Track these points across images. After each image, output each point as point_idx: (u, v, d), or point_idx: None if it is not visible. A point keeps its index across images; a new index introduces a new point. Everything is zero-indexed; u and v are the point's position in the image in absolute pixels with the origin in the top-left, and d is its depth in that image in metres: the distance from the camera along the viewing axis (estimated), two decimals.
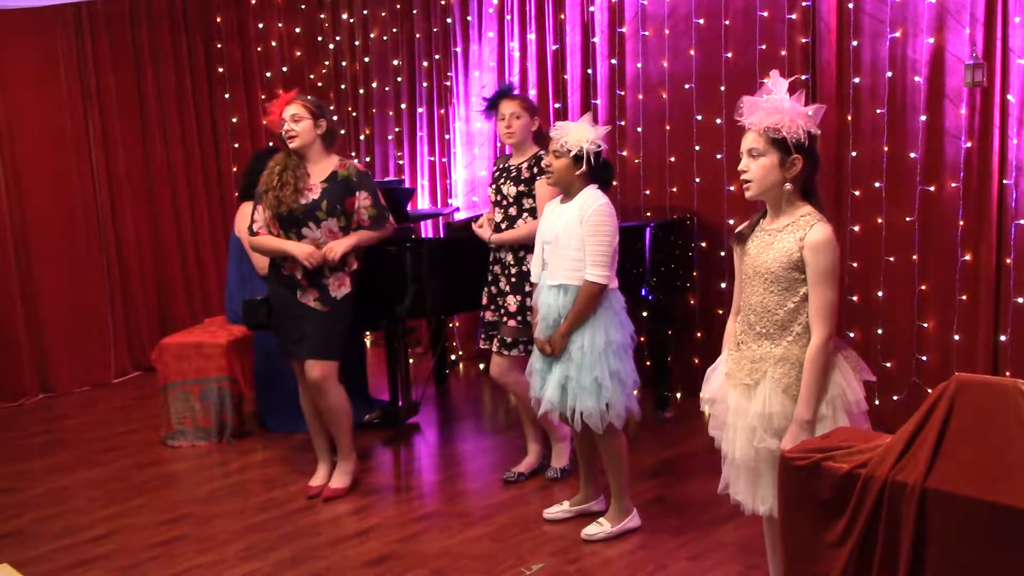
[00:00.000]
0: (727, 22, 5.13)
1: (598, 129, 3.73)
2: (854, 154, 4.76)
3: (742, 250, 2.87)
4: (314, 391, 4.27)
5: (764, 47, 4.98)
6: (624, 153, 5.65)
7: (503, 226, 4.26)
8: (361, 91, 7.09)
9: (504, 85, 4.41)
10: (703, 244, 5.39)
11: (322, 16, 7.25)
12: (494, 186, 4.33)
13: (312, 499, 4.33)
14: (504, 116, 4.23)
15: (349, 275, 4.25)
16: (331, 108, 4.29)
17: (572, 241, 3.65)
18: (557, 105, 5.88)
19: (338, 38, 7.20)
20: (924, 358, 4.64)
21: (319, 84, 7.28)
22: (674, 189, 5.49)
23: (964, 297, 4.46)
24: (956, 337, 4.49)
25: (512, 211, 4.21)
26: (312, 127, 4.19)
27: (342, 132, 7.24)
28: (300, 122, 4.17)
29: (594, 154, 3.67)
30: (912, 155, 4.57)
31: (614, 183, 5.47)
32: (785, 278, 2.72)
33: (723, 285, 5.29)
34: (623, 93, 5.60)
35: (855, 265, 4.80)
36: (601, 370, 3.61)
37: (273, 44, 7.18)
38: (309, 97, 4.34)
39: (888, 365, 4.73)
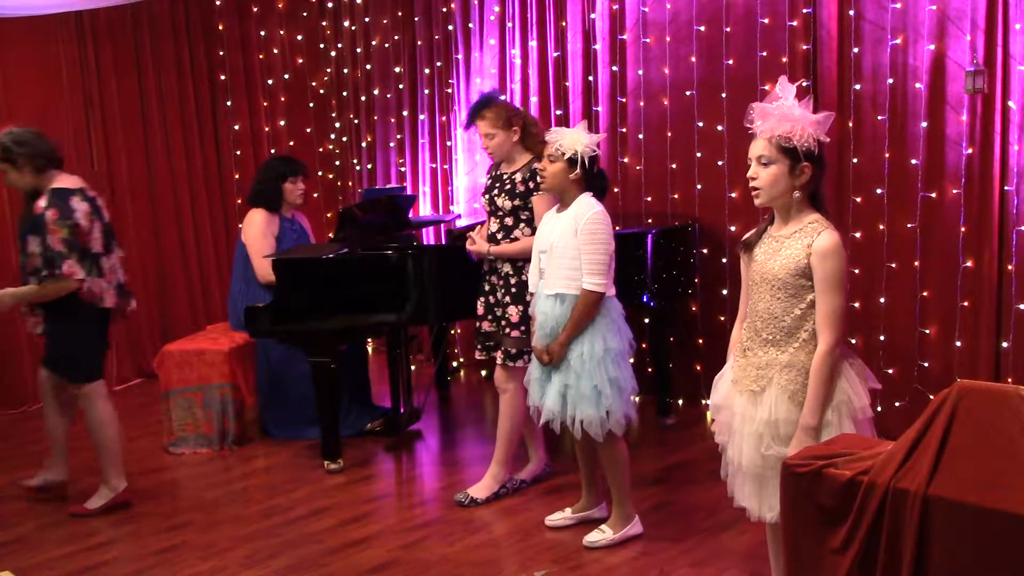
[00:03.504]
0: (728, 29, 5.13)
1: (593, 136, 3.73)
2: (855, 161, 4.77)
3: (749, 257, 2.87)
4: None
5: (765, 54, 4.99)
6: (625, 160, 5.66)
7: (499, 236, 4.19)
8: (363, 98, 7.09)
9: (476, 102, 4.23)
10: (704, 251, 5.39)
11: (324, 23, 7.26)
12: (487, 196, 4.25)
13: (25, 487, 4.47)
14: (482, 137, 4.18)
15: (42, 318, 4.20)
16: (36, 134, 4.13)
17: (568, 250, 3.65)
18: (558, 112, 5.89)
19: (340, 45, 7.21)
20: (926, 365, 4.64)
21: (321, 91, 7.28)
22: (675, 196, 5.49)
23: (966, 303, 4.47)
24: (958, 343, 4.49)
25: (508, 221, 4.17)
26: (13, 171, 4.04)
27: (343, 139, 7.27)
28: (7, 174, 4.09)
29: (589, 158, 3.67)
30: (913, 161, 4.58)
31: (615, 190, 5.52)
32: (792, 284, 2.73)
33: (725, 292, 5.29)
34: (624, 100, 5.60)
35: (857, 272, 4.80)
36: (600, 378, 3.61)
37: (275, 51, 7.18)
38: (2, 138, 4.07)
39: (890, 371, 4.73)
